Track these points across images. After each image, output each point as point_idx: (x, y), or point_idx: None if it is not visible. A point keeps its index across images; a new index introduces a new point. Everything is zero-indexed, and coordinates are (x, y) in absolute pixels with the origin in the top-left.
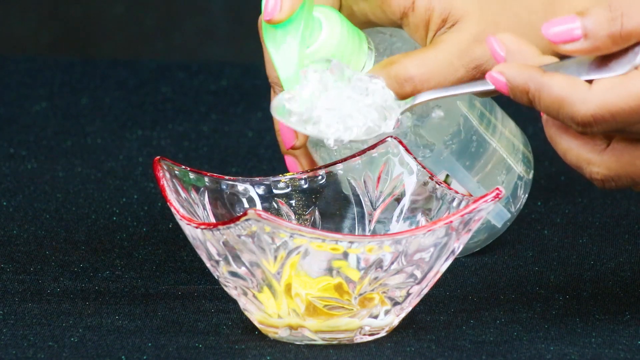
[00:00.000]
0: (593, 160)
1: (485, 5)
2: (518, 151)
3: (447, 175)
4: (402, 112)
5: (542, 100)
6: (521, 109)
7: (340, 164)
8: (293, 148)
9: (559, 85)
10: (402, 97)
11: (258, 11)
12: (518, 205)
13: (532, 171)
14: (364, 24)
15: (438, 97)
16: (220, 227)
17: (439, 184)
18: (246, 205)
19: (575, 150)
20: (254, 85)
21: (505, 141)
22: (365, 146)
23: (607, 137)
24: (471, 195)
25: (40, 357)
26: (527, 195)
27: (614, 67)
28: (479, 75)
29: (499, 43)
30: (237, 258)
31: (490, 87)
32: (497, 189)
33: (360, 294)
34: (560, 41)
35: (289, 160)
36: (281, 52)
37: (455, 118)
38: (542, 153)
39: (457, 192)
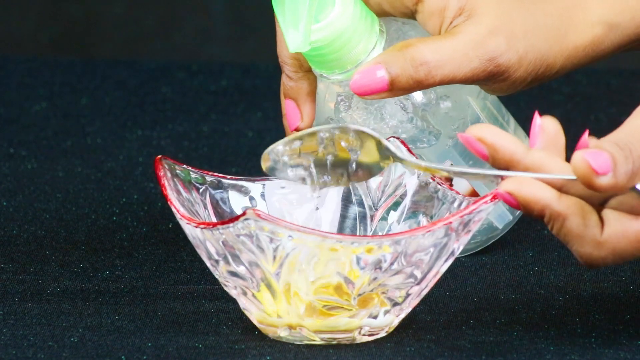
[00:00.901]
0: (586, 242)
1: (502, 0)
2: None
3: (452, 165)
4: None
5: (555, 229)
6: (527, 117)
7: None
8: (297, 129)
9: (575, 223)
10: (415, 81)
11: (258, 11)
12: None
13: None
14: (377, 13)
15: (429, 168)
16: (219, 226)
17: (440, 185)
18: (248, 204)
19: (567, 228)
20: (254, 85)
21: None
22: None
23: (601, 220)
24: (473, 190)
25: (40, 357)
26: None
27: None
28: (492, 67)
29: (479, 144)
30: (236, 258)
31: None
32: (497, 189)
33: (360, 295)
34: (600, 173)
35: (289, 105)
36: (288, 19)
37: (464, 110)
38: None
39: (457, 193)
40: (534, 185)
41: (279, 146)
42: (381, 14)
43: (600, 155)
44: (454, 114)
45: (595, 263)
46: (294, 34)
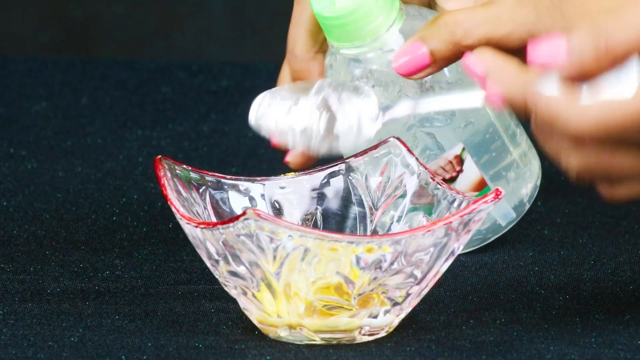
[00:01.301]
0: (571, 115)
1: None
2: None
3: (464, 149)
4: (379, 121)
5: (538, 116)
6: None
7: (342, 164)
8: None
9: (555, 100)
10: (454, 44)
11: (258, 11)
12: (521, 210)
13: (540, 179)
14: None
15: (419, 109)
16: (219, 226)
17: (440, 185)
18: (248, 204)
19: (557, 140)
20: (254, 85)
21: (521, 150)
22: (368, 146)
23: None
24: (482, 179)
25: (40, 357)
26: (532, 201)
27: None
28: (524, 34)
29: (477, 61)
30: (236, 257)
31: (479, 101)
32: (497, 189)
33: (360, 294)
34: (546, 63)
35: None
36: None
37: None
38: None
39: (458, 193)
40: (514, 75)
41: (271, 106)
42: None
43: (547, 51)
44: None
45: (580, 137)
46: (320, 3)
